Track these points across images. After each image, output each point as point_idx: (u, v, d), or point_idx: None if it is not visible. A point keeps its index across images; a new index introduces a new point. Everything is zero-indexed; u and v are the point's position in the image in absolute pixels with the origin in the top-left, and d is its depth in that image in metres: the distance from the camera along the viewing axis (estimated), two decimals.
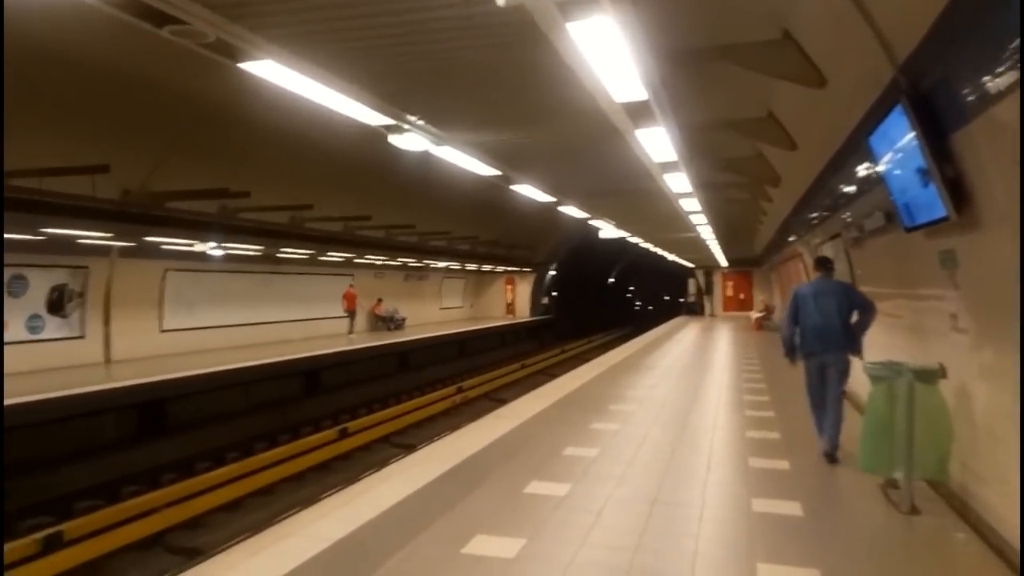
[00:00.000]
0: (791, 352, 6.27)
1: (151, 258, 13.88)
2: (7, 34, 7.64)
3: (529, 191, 11.82)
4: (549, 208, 14.75)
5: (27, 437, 9.60)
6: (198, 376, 11.97)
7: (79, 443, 10.28)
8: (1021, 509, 3.10)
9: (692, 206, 13.06)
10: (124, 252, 13.13)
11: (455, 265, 26.77)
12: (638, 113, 5.69)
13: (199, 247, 13.98)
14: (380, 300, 23.30)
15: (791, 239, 16.06)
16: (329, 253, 18.06)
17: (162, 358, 13.86)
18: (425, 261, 23.89)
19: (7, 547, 6.76)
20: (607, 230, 19.66)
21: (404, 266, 23.92)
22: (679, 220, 16.59)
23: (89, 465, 10.01)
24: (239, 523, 8.51)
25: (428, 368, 20.74)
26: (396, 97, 6.42)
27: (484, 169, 9.13)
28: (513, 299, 33.59)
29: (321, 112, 9.23)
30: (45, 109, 9.23)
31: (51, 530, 7.01)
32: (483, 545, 4.20)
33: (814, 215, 10.65)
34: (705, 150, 9.60)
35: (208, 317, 15.97)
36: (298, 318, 19.13)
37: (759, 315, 25.39)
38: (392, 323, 23.12)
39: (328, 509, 4.89)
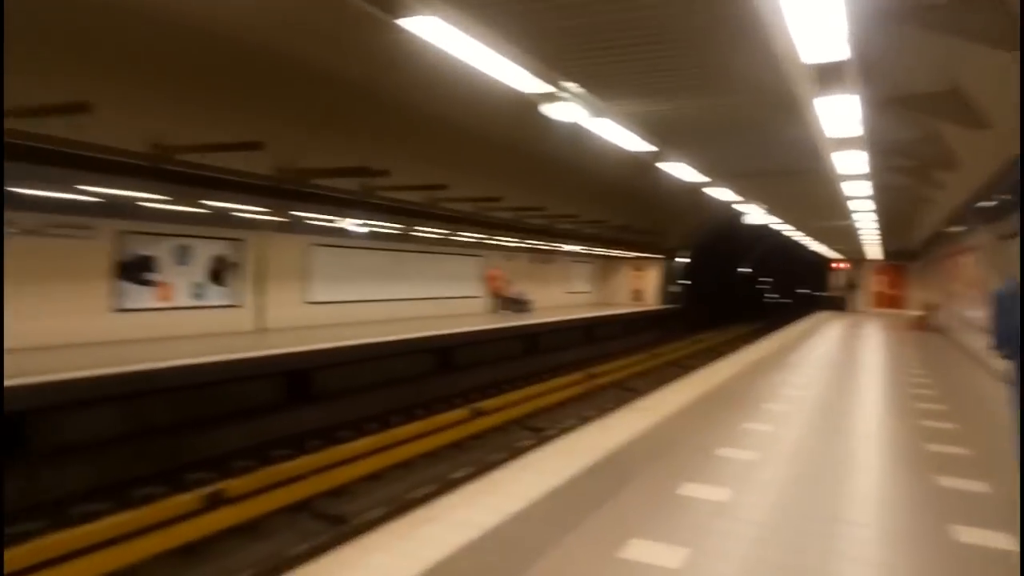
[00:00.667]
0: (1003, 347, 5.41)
1: (298, 233, 14.57)
2: (171, 15, 8.10)
3: (679, 170, 11.19)
4: (692, 190, 14.07)
5: (193, 398, 10.38)
6: (339, 348, 12.46)
7: (236, 405, 10.97)
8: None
9: (857, 190, 11.94)
10: (275, 227, 13.85)
11: (582, 249, 26.42)
12: (828, 77, 5.08)
13: (341, 223, 14.53)
14: (508, 282, 23.44)
15: (965, 229, 14.46)
16: (460, 233, 18.30)
17: (305, 329, 14.55)
18: (553, 244, 23.74)
19: (175, 500, 7.26)
20: (753, 215, 18.58)
21: (531, 249, 23.88)
22: (837, 206, 15.36)
23: (244, 427, 10.66)
24: (380, 493, 8.72)
25: (555, 352, 20.62)
26: (556, 60, 6.09)
27: (635, 144, 8.62)
28: (641, 286, 32.81)
29: (460, 89, 9.16)
30: (208, 89, 9.77)
31: (214, 487, 7.43)
32: (640, 551, 3.91)
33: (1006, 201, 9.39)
34: (881, 127, 8.69)
35: (347, 291, 16.63)
36: (429, 296, 19.56)
37: (920, 313, 23.25)
38: (519, 305, 23.17)
39: (471, 496, 4.78)
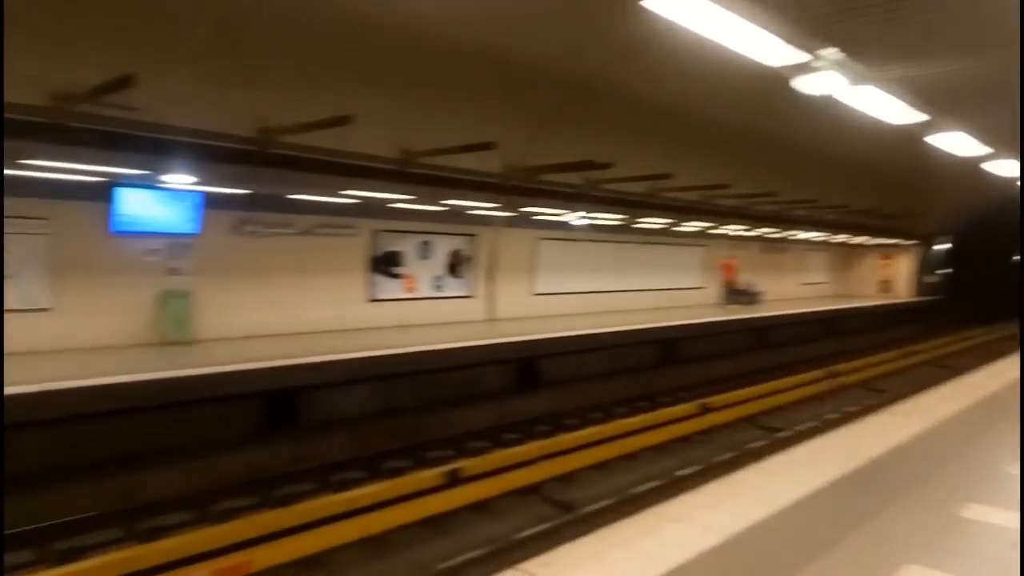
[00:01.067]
0: None
1: (526, 227, 15.07)
2: (412, 29, 8.69)
3: (954, 142, 9.66)
4: (962, 166, 12.18)
5: (437, 381, 11.21)
6: (566, 338, 12.67)
7: (471, 389, 11.65)
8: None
9: None
10: (505, 222, 14.44)
11: (818, 237, 24.23)
12: None
13: (565, 217, 14.76)
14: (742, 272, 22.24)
15: None
16: (685, 224, 17.69)
17: (532, 319, 15.02)
18: (786, 232, 22.06)
19: (419, 475, 7.85)
20: None
21: (760, 238, 22.36)
22: None
23: (478, 411, 11.27)
24: (607, 483, 8.71)
25: (790, 347, 19.18)
26: (816, 25, 5.53)
27: (900, 115, 7.52)
28: (889, 275, 29.34)
29: (695, 72, 8.72)
30: (445, 95, 10.43)
31: (453, 465, 7.91)
32: None
33: None
34: None
35: (571, 283, 16.86)
36: (651, 287, 19.18)
37: None
38: (747, 297, 21.88)
39: (715, 497, 4.50)
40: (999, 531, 4.00)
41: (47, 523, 6.66)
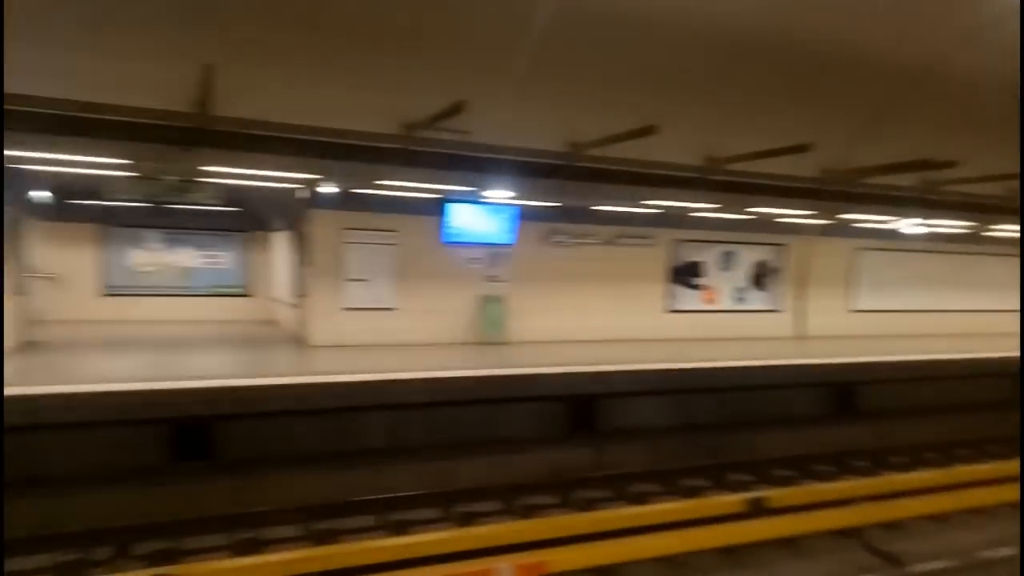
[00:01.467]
0: None
1: (842, 235, 13.57)
2: (714, 29, 8.29)
3: None
4: None
5: (736, 400, 10.63)
6: (891, 363, 11.10)
7: (776, 411, 10.81)
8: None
9: None
10: (819, 230, 13.18)
11: None
12: None
13: (892, 224, 12.95)
14: None
15: None
16: None
17: (848, 339, 13.45)
18: None
19: (720, 499, 7.45)
20: None
21: None
22: None
23: (784, 435, 10.41)
24: (946, 537, 7.39)
25: None
26: None
27: None
28: None
29: None
30: (753, 96, 9.76)
31: (757, 493, 7.37)
32: None
33: None
34: None
35: (899, 300, 14.77)
36: (1006, 308, 15.89)
37: None
38: None
39: None
40: None
41: (382, 496, 7.68)
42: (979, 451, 10.63)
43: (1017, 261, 15.98)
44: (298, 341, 11.19)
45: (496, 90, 8.62)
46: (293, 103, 7.93)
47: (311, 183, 9.37)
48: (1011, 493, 8.37)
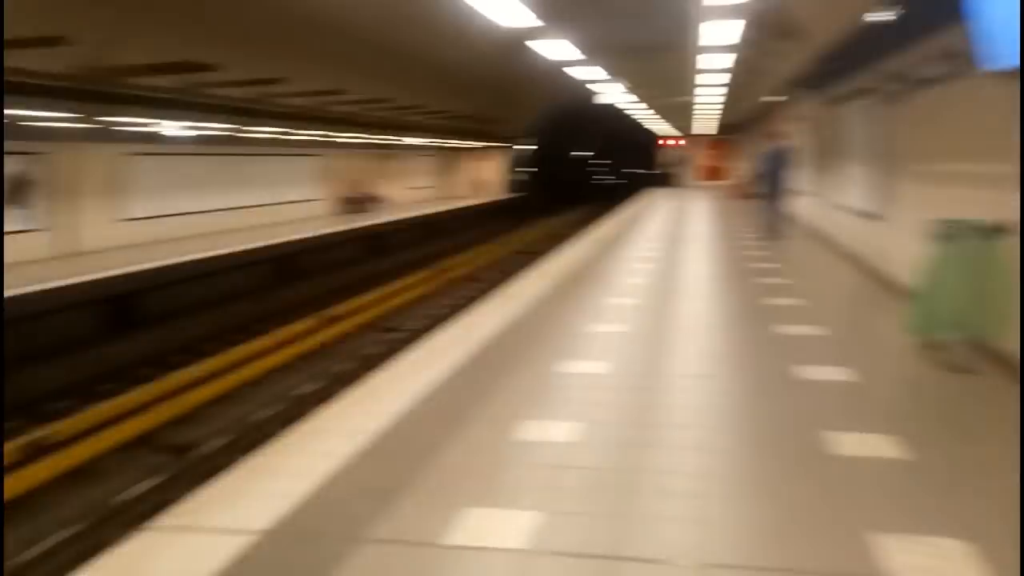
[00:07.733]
0: None
1: (109, 142, 12.58)
2: None
3: (557, 48, 10.46)
4: (549, 71, 13.54)
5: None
6: (165, 267, 11.14)
7: (40, 342, 9.56)
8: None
9: (714, 63, 11.85)
10: (83, 135, 11.82)
11: (425, 142, 25.43)
12: None
13: (159, 128, 12.77)
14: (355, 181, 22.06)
15: (787, 100, 15.33)
16: (297, 132, 16.79)
17: (124, 249, 12.83)
18: (395, 138, 22.59)
19: None
20: (608, 94, 18.45)
21: (372, 144, 22.51)
22: (683, 82, 15.70)
23: (57, 366, 9.33)
24: (231, 413, 8.03)
25: (405, 251, 20.01)
26: None
27: (514, 18, 7.50)
28: (484, 176, 32.37)
29: None
30: None
31: (34, 436, 6.41)
32: (534, 431, 3.77)
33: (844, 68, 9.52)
34: None
35: (172, 204, 14.79)
36: (263, 203, 17.92)
37: (736, 182, 25.04)
38: (364, 205, 22.02)
39: (354, 402, 4.33)
40: (582, 376, 4.69)
41: None
42: (249, 332, 11.73)
43: (272, 160, 18.05)
44: None
45: None
46: None
47: None
48: (278, 359, 9.68)
